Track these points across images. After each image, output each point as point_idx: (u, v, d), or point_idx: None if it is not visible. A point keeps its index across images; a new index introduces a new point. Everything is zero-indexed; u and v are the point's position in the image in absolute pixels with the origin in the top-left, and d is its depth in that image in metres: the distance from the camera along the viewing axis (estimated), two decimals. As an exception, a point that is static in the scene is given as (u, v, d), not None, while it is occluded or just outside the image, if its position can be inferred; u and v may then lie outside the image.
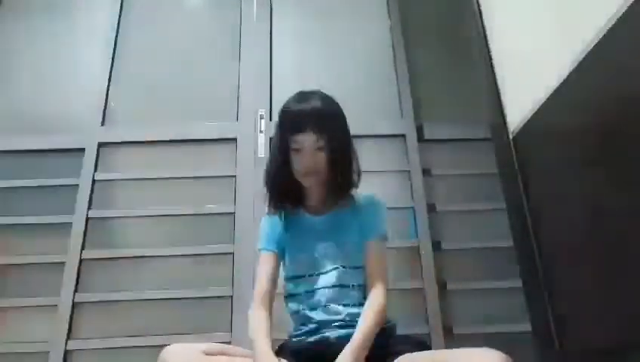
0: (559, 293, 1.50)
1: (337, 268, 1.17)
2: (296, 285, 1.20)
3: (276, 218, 1.28)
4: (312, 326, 1.13)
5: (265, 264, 1.24)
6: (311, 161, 1.16)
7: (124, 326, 1.81)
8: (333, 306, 1.13)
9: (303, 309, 1.17)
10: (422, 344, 1.11)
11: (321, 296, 1.15)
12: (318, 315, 1.13)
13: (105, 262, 1.89)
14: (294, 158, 1.18)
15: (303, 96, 1.19)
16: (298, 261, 1.22)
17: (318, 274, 1.18)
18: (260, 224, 1.33)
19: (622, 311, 1.19)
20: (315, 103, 1.16)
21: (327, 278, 1.16)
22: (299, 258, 1.22)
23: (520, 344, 1.69)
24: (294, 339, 1.16)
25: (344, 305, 1.13)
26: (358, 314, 1.10)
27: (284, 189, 1.23)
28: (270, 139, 2.09)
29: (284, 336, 1.25)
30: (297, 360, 1.07)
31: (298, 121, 1.15)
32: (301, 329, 1.16)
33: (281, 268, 1.28)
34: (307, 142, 1.15)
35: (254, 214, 1.95)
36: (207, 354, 0.92)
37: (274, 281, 1.22)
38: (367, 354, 1.02)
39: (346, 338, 1.05)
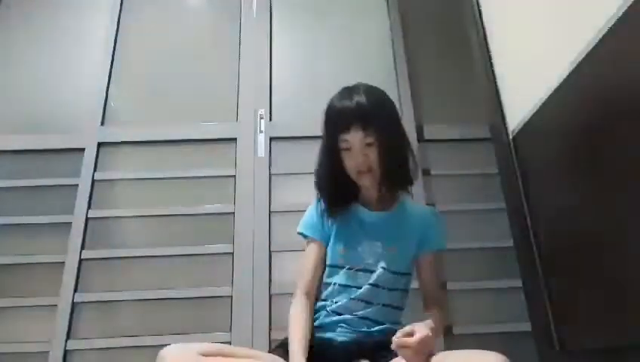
0: (559, 293, 1.50)
1: (377, 270, 1.15)
2: (333, 274, 1.18)
3: (324, 207, 1.23)
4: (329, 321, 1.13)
5: (310, 253, 1.20)
6: (362, 158, 1.12)
7: (124, 326, 1.81)
8: (358, 305, 1.13)
9: (330, 303, 1.16)
10: None
11: (354, 292, 1.14)
12: (338, 311, 1.14)
13: (104, 261, 1.89)
14: (345, 158, 1.14)
15: (346, 91, 1.16)
16: (341, 252, 1.19)
17: (357, 271, 1.16)
18: (309, 208, 1.27)
19: (622, 311, 1.19)
20: (359, 98, 1.11)
21: (366, 277, 1.15)
22: (342, 249, 1.19)
23: (520, 344, 1.70)
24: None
25: (369, 304, 1.13)
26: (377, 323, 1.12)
27: (338, 190, 1.19)
28: (270, 139, 2.10)
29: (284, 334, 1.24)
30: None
31: (343, 119, 1.12)
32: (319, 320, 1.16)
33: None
34: (355, 139, 1.11)
35: (254, 214, 1.95)
36: (203, 355, 0.90)
37: (318, 271, 1.19)
38: (369, 354, 1.02)
39: (354, 344, 1.06)
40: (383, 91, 1.19)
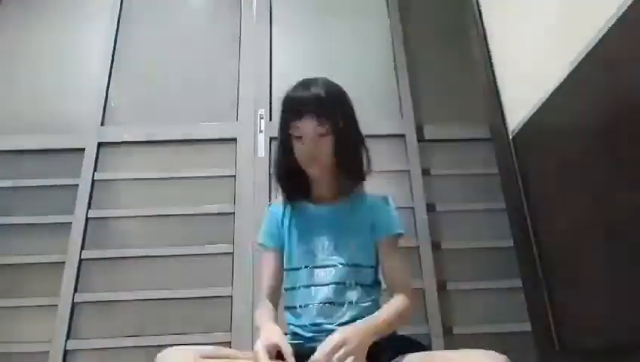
0: (559, 293, 1.50)
1: (336, 265, 1.12)
2: (294, 278, 1.16)
3: (279, 210, 1.24)
4: (306, 334, 1.09)
5: (266, 261, 1.22)
6: (312, 147, 1.10)
7: (124, 326, 1.81)
8: (329, 310, 1.09)
9: (299, 307, 1.12)
10: (420, 345, 1.10)
11: (319, 292, 1.10)
12: (310, 319, 1.09)
13: (104, 261, 1.89)
14: (296, 146, 1.13)
15: (304, 82, 1.16)
16: (295, 253, 1.17)
17: (314, 268, 1.13)
18: (264, 218, 1.29)
19: (622, 311, 1.19)
20: (316, 89, 1.12)
21: (326, 274, 1.12)
22: (296, 250, 1.17)
23: (520, 344, 1.70)
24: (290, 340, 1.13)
25: (340, 305, 1.09)
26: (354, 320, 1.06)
27: (289, 178, 1.19)
28: (270, 139, 2.10)
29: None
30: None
31: (298, 108, 1.11)
32: (296, 333, 1.12)
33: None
34: (307, 128, 1.10)
35: (254, 214, 1.95)
36: (203, 358, 0.89)
37: (277, 278, 1.19)
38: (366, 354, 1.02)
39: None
40: (340, 87, 1.19)
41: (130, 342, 1.78)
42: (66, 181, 2.00)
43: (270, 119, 2.14)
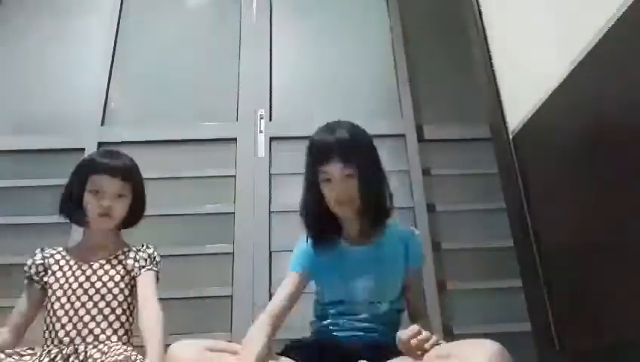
0: (559, 293, 1.50)
1: (373, 302, 1.20)
2: (333, 308, 1.22)
3: (311, 243, 1.26)
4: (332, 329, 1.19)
5: (288, 282, 1.23)
6: (342, 189, 1.16)
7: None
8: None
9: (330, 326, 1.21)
10: None
11: (354, 323, 1.18)
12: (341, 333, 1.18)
13: (105, 262, 1.89)
14: (325, 189, 1.18)
15: (328, 126, 1.21)
16: (335, 287, 1.22)
17: (354, 303, 1.20)
18: (298, 244, 1.31)
19: (622, 311, 1.19)
20: (341, 133, 1.17)
21: (362, 309, 1.20)
22: (336, 284, 1.22)
23: (520, 344, 1.69)
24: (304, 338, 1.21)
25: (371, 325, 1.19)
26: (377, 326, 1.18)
27: (323, 224, 1.23)
28: (270, 138, 2.10)
29: (286, 335, 1.24)
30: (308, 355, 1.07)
31: (324, 151, 1.16)
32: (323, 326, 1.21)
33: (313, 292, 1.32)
34: (335, 170, 1.15)
35: (254, 214, 1.95)
36: (210, 351, 0.93)
37: (293, 300, 1.21)
38: (366, 356, 1.03)
39: (358, 347, 1.09)
40: (362, 128, 1.23)
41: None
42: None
43: (270, 119, 2.14)
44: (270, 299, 1.79)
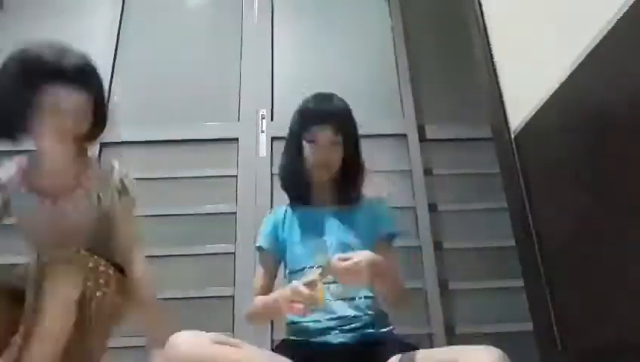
0: (561, 293, 1.50)
1: (349, 298, 1.15)
2: (298, 279, 1.14)
3: (280, 215, 1.30)
4: (313, 327, 1.11)
5: (262, 263, 1.27)
6: (326, 153, 1.21)
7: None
8: (336, 304, 1.11)
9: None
10: (410, 345, 1.09)
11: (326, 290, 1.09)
12: (319, 316, 1.11)
13: (107, 262, 1.89)
14: (309, 150, 1.23)
15: (322, 95, 1.29)
16: (299, 253, 1.21)
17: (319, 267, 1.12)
18: (263, 221, 1.34)
19: (624, 311, 1.19)
20: (337, 102, 1.26)
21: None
22: (301, 250, 1.21)
23: (522, 344, 1.69)
24: (293, 338, 1.15)
25: (346, 300, 1.12)
26: (361, 317, 1.10)
27: (294, 181, 1.28)
28: (272, 138, 2.10)
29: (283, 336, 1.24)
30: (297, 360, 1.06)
31: (319, 116, 1.23)
32: (302, 328, 1.14)
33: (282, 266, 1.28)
34: (325, 135, 1.21)
35: (256, 214, 1.95)
36: (216, 343, 0.91)
37: (271, 279, 1.25)
38: (362, 359, 1.02)
39: (350, 344, 1.05)
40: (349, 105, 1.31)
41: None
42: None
43: (272, 119, 2.14)
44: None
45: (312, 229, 1.23)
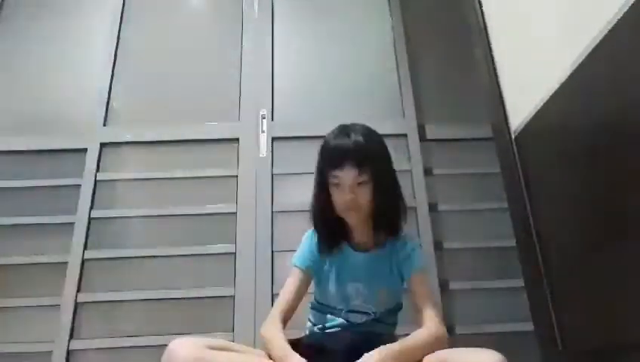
0: (562, 293, 1.50)
1: (369, 313, 1.20)
2: (322, 312, 1.23)
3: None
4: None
5: (295, 279, 1.21)
6: (350, 196, 1.11)
7: (127, 326, 1.81)
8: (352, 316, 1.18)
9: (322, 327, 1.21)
10: None
11: (347, 336, 1.15)
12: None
13: (107, 262, 1.89)
14: (334, 193, 1.14)
15: (343, 129, 1.16)
16: (331, 293, 1.22)
17: (349, 312, 1.20)
18: (304, 237, 1.29)
19: (625, 311, 1.19)
20: (357, 137, 1.12)
21: (359, 318, 1.20)
22: (333, 290, 1.21)
23: (523, 344, 1.69)
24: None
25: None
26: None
27: (330, 227, 1.20)
28: (272, 138, 2.10)
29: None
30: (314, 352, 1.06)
31: (337, 156, 1.12)
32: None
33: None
34: (347, 176, 1.10)
35: (256, 214, 1.95)
36: (211, 349, 0.92)
37: (299, 298, 1.20)
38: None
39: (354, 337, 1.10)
40: (379, 134, 1.19)
41: (132, 341, 1.78)
42: (69, 181, 2.00)
43: (272, 119, 2.14)
44: (272, 298, 1.81)
45: (347, 271, 1.21)
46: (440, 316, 1.13)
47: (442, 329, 1.08)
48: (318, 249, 1.23)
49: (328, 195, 1.16)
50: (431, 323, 1.09)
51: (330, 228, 1.20)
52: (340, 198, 1.13)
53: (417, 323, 1.14)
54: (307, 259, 1.23)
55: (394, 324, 1.27)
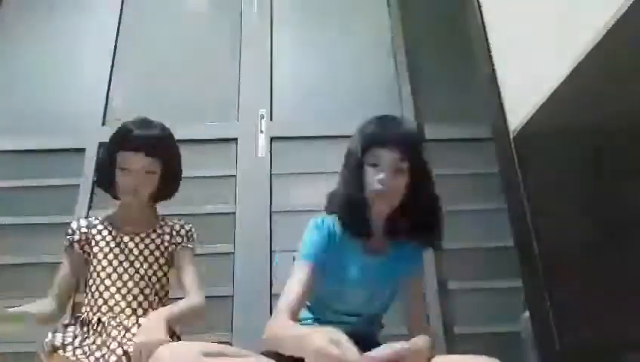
0: (560, 293, 1.50)
1: (362, 315, 1.18)
2: (315, 307, 1.20)
3: (331, 231, 1.14)
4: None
5: (303, 272, 1.10)
6: (390, 178, 1.06)
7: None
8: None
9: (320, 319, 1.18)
10: None
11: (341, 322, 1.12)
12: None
13: (106, 262, 1.89)
14: (369, 172, 1.08)
15: (390, 116, 1.14)
16: (327, 289, 1.16)
17: (342, 314, 1.17)
18: (311, 227, 1.16)
19: (623, 311, 1.19)
20: (407, 125, 1.11)
21: (353, 318, 1.18)
22: (329, 288, 1.16)
23: (521, 344, 1.69)
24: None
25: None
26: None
27: (357, 206, 1.10)
28: (271, 138, 2.10)
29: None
30: None
31: (384, 135, 1.07)
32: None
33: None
34: (389, 157, 1.06)
35: (255, 214, 1.95)
36: (205, 355, 0.85)
37: (310, 292, 1.11)
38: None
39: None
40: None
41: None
42: (67, 181, 2.00)
43: (271, 119, 2.14)
44: (271, 298, 1.81)
45: (349, 273, 1.15)
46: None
47: (432, 330, 1.11)
48: (333, 238, 1.13)
49: (360, 180, 1.09)
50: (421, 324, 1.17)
51: (358, 208, 1.10)
52: (375, 177, 1.06)
53: (404, 321, 1.21)
54: (317, 251, 1.12)
55: (381, 326, 1.27)
